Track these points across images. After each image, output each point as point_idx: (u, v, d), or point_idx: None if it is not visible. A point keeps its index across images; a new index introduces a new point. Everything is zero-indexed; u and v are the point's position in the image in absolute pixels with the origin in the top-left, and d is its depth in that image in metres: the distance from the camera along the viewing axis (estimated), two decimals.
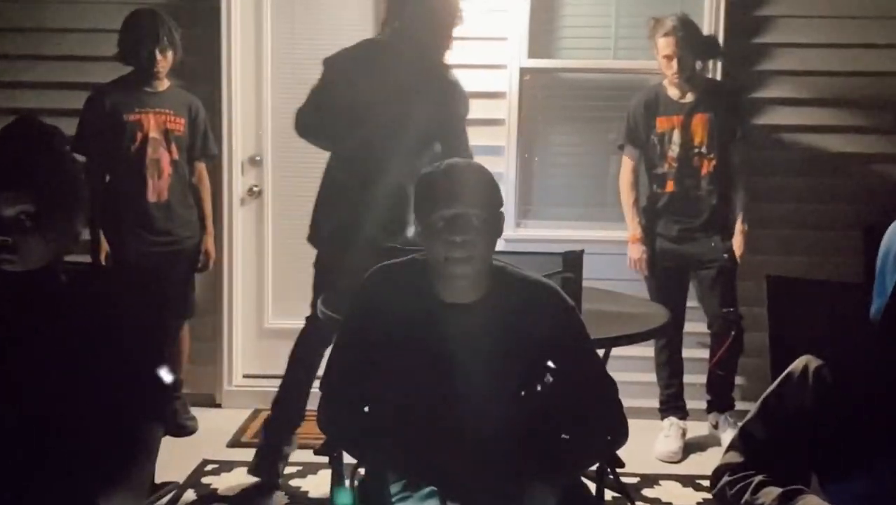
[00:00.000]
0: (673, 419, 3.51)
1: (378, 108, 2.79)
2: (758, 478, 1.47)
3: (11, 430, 1.36)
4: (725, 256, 3.42)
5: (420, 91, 2.80)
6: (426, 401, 1.71)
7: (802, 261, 3.70)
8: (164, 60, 3.33)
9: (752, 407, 1.58)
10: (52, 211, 1.51)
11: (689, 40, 3.31)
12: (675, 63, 3.31)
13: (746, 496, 1.46)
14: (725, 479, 1.52)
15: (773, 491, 1.42)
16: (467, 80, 3.76)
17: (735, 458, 1.54)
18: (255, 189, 4.01)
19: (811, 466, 1.50)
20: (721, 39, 3.68)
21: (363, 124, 2.83)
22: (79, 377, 1.43)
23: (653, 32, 3.36)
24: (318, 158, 4.01)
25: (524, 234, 3.81)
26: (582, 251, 2.15)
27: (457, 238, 1.65)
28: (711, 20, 3.78)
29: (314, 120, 2.94)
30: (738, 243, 3.41)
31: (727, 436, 3.45)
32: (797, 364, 1.57)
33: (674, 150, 3.39)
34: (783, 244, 3.77)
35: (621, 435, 1.74)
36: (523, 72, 3.82)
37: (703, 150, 3.37)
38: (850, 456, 1.46)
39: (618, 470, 2.64)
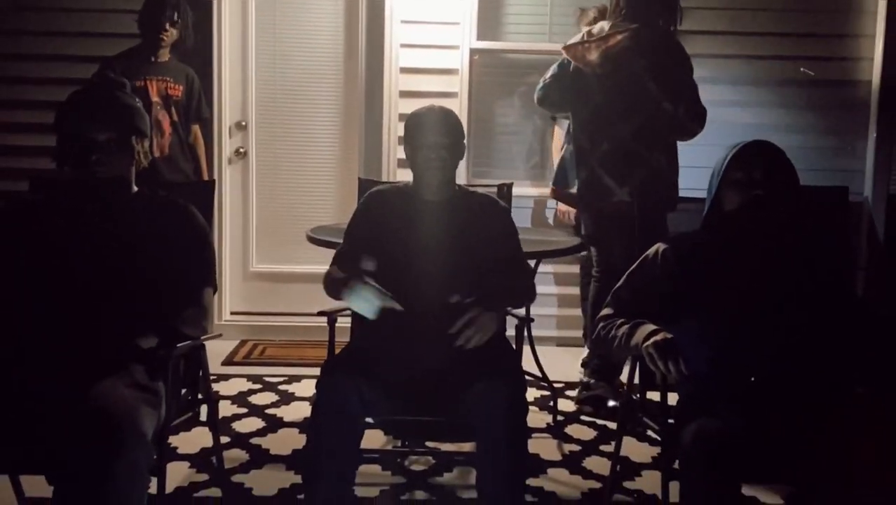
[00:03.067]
0: None
1: (609, 80, 3.27)
2: (620, 321, 2.17)
3: (115, 283, 1.99)
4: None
5: (649, 63, 3.25)
6: (406, 266, 2.33)
7: None
8: (170, 34, 3.92)
9: None
10: (128, 137, 2.14)
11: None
12: None
13: (612, 331, 2.16)
14: (600, 325, 2.23)
15: (626, 324, 2.12)
16: (426, 59, 4.47)
17: (608, 311, 2.25)
18: (241, 150, 4.62)
19: (658, 315, 2.18)
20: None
21: (598, 95, 3.28)
22: (156, 250, 2.07)
23: (578, 21, 4.02)
24: (295, 124, 4.68)
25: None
26: (511, 183, 2.81)
27: (432, 154, 2.36)
28: None
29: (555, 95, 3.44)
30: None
31: None
32: (651, 249, 2.28)
33: None
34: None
35: (532, 291, 2.45)
36: (473, 52, 4.49)
37: None
38: (683, 306, 2.15)
39: (549, 378, 3.49)
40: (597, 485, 2.81)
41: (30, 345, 1.87)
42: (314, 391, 2.10)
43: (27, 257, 2.01)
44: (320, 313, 2.56)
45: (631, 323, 2.11)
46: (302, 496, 2.66)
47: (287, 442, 3.11)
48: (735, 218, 2.17)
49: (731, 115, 4.55)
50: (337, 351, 2.51)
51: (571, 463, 2.98)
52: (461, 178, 4.37)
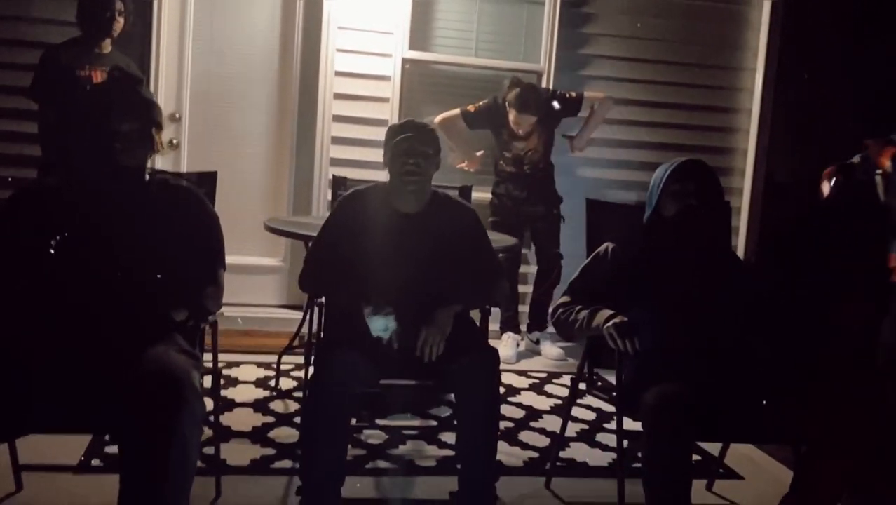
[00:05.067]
0: (510, 333, 4.64)
1: None
2: (578, 307, 2.54)
3: (147, 262, 2.18)
4: (555, 212, 4.60)
5: None
6: (382, 274, 2.53)
7: None
8: (119, 23, 4.01)
9: None
10: (148, 128, 2.33)
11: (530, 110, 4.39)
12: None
13: (571, 316, 2.53)
14: (559, 311, 2.59)
15: (585, 310, 2.50)
16: (360, 65, 4.73)
17: (565, 300, 2.62)
18: (174, 142, 4.72)
19: (608, 302, 2.56)
20: (554, 51, 4.86)
21: None
22: (177, 233, 2.26)
23: (506, 92, 4.43)
24: (228, 119, 4.83)
25: None
26: (471, 186, 3.15)
27: (409, 160, 2.55)
28: (548, 35, 4.92)
29: None
30: None
31: (545, 346, 4.64)
32: (601, 247, 2.67)
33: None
34: None
35: (503, 291, 2.74)
36: (405, 61, 4.79)
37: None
38: (629, 295, 2.54)
39: None
40: (534, 454, 3.18)
41: (74, 319, 2.03)
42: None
43: (59, 238, 2.15)
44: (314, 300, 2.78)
45: (590, 309, 2.49)
46: (275, 465, 2.89)
47: (245, 420, 3.31)
48: (672, 222, 2.59)
49: (629, 133, 5.08)
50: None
51: (509, 437, 3.34)
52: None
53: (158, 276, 2.16)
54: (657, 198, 2.62)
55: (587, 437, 3.42)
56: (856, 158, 3.59)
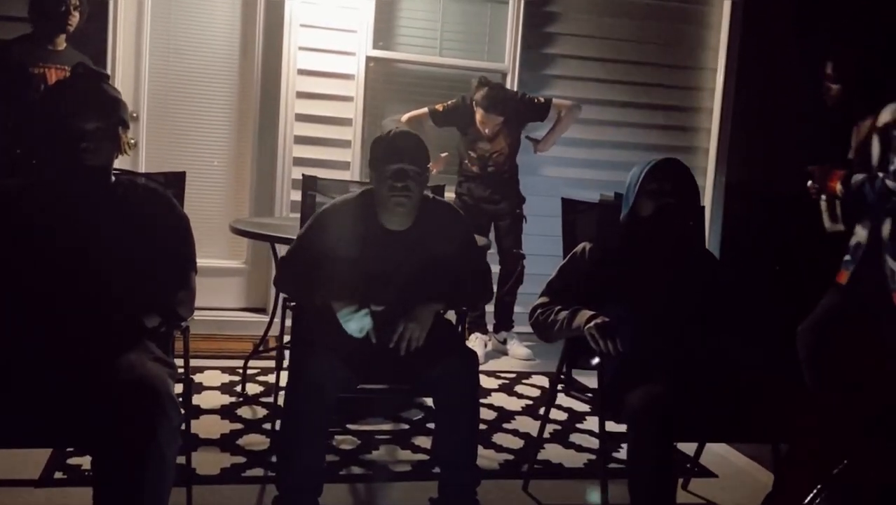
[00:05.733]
0: (477, 334, 4.60)
1: None
2: (557, 307, 2.51)
3: (113, 266, 2.09)
4: (517, 211, 4.58)
5: None
6: (367, 285, 2.45)
7: None
8: (74, 17, 3.87)
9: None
10: (116, 127, 2.24)
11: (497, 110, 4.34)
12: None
13: (551, 317, 2.50)
14: (538, 311, 2.56)
15: (564, 311, 2.47)
16: (324, 63, 4.66)
17: (543, 300, 2.59)
18: (131, 141, 4.59)
19: (586, 302, 2.54)
20: (518, 51, 4.84)
21: None
22: (146, 236, 2.17)
23: (475, 91, 4.37)
24: (187, 118, 4.71)
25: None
26: (444, 185, 3.10)
27: (398, 184, 2.43)
28: (512, 34, 4.91)
29: None
30: None
31: (512, 346, 4.62)
32: (578, 247, 2.65)
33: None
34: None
35: (489, 294, 2.73)
36: (369, 59, 4.73)
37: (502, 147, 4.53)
38: (606, 295, 2.53)
39: None
40: (509, 456, 3.15)
41: (41, 327, 1.93)
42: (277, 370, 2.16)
43: (23, 242, 2.05)
44: (286, 302, 2.70)
45: (570, 309, 2.46)
46: (246, 474, 2.82)
47: (213, 427, 3.22)
48: (649, 221, 2.58)
49: (592, 132, 5.09)
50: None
51: (483, 439, 3.29)
52: (357, 176, 4.64)
53: (128, 281, 2.06)
54: (634, 197, 2.61)
55: (561, 438, 3.41)
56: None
